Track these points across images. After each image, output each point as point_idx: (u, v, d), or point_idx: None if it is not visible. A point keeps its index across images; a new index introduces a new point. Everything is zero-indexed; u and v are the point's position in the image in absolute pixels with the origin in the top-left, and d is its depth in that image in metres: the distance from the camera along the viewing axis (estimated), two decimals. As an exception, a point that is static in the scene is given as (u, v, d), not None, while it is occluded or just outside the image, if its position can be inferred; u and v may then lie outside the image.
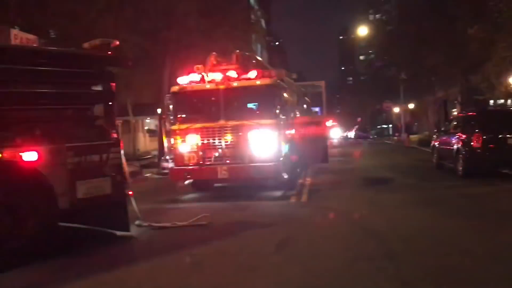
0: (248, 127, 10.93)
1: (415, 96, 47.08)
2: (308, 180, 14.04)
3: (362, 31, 36.14)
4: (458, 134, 13.82)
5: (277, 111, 11.07)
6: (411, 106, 49.12)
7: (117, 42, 7.56)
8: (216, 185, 12.82)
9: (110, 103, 7.56)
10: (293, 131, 12.92)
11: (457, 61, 21.93)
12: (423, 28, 23.36)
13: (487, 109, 15.22)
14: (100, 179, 7.19)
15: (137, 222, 7.98)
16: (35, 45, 13.00)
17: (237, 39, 25.17)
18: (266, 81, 11.15)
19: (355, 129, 70.16)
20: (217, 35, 23.41)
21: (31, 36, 14.17)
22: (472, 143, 12.74)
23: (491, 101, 25.93)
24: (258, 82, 11.16)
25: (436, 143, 16.23)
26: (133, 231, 7.65)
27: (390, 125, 59.26)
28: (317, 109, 38.03)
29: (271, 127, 10.95)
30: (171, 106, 11.54)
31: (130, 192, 7.96)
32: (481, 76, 21.12)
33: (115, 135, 7.50)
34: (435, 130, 18.64)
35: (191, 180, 11.62)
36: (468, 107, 28.37)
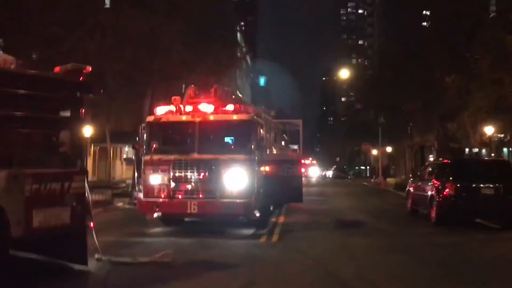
0: (222, 162, 10.72)
1: (392, 140, 47.78)
2: (281, 219, 13.79)
3: (343, 73, 36.82)
4: (432, 181, 13.83)
5: (252, 147, 10.92)
6: (389, 149, 49.83)
7: (89, 68, 7.36)
8: (186, 219, 12.45)
9: (78, 130, 7.31)
10: (267, 169, 12.74)
11: (434, 108, 22.36)
12: (401, 75, 23.88)
13: (461, 158, 15.38)
14: (59, 208, 6.83)
15: (97, 256, 7.57)
16: (12, 66, 12.83)
17: (220, 74, 25.31)
18: (243, 116, 11.05)
19: (333, 169, 70.52)
20: (200, 68, 23.49)
21: (8, 57, 13.93)
22: (445, 191, 12.73)
23: (467, 150, 26.35)
24: (234, 117, 11.05)
25: (411, 188, 16.21)
26: (92, 265, 7.25)
27: (367, 167, 59.70)
28: (295, 146, 38.27)
29: (245, 163, 10.76)
30: (145, 136, 11.31)
31: (91, 224, 7.61)
32: (457, 124, 21.51)
33: (80, 163, 7.21)
34: (410, 176, 18.71)
35: (159, 213, 11.24)
36: (444, 154, 28.84)
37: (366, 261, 8.10)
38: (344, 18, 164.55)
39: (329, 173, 68.93)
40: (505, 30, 12.69)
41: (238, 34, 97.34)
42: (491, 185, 12.45)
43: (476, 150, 30.97)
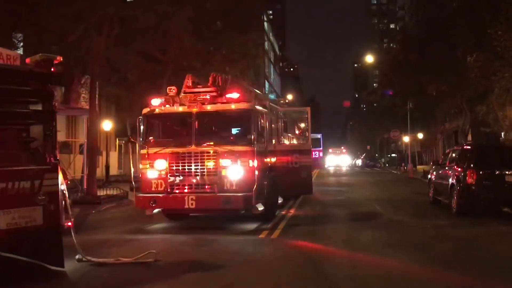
0: (221, 154, 10.19)
1: (423, 126, 46.09)
2: (292, 211, 13.18)
3: (369, 58, 35.53)
4: (453, 169, 12.91)
5: (253, 137, 10.32)
6: (420, 136, 48.11)
7: (60, 58, 6.92)
8: (191, 214, 12.01)
9: (50, 124, 6.90)
10: (273, 160, 12.14)
11: (460, 91, 21.07)
12: (424, 56, 22.61)
13: (483, 143, 14.29)
14: (30, 208, 6.45)
15: (77, 257, 7.20)
16: (16, 62, 12.63)
17: (241, 63, 24.66)
18: (242, 105, 10.46)
19: (362, 157, 69.02)
20: (216, 58, 22.97)
21: (12, 53, 13.80)
22: (466, 179, 11.81)
23: (503, 134, 24.68)
24: (233, 106, 10.47)
25: (432, 177, 15.28)
26: (71, 266, 6.87)
27: (394, 155, 58.04)
28: (318, 135, 37.32)
29: (245, 154, 10.19)
30: (141, 129, 10.89)
31: (70, 223, 7.24)
32: (486, 107, 20.21)
33: (52, 160, 6.80)
34: (431, 163, 17.68)
35: (158, 209, 10.81)
36: (477, 139, 27.35)
37: (366, 259, 7.41)
38: (375, 1, 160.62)
39: (359, 162, 67.47)
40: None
41: (266, 23, 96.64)
42: (517, 172, 11.43)
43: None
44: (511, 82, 14.38)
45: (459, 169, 12.35)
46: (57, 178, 6.80)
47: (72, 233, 7.16)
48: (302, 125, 16.42)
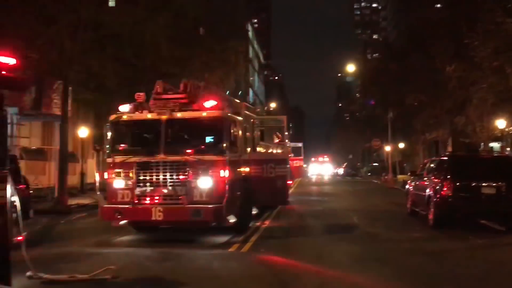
0: (191, 163, 9.80)
1: (404, 136, 46.25)
2: (267, 223, 12.83)
3: (350, 68, 35.54)
4: (430, 180, 12.72)
5: (225, 146, 9.96)
6: (401, 145, 48.24)
7: (16, 62, 6.48)
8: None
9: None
10: (247, 169, 11.78)
11: (439, 101, 21.05)
12: (404, 66, 22.59)
13: (460, 154, 14.17)
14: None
15: (28, 274, 6.72)
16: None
17: (221, 70, 24.36)
18: (214, 113, 10.10)
19: (344, 166, 69.11)
20: (195, 64, 22.62)
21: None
22: (443, 191, 11.61)
23: (483, 144, 24.69)
24: (204, 114, 10.11)
25: (410, 188, 15.09)
26: (20, 283, 6.40)
27: (376, 164, 58.17)
28: (299, 144, 37.08)
29: (216, 164, 9.82)
30: (108, 136, 10.45)
31: (21, 238, 6.76)
32: (465, 118, 20.20)
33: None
34: (409, 174, 17.53)
35: (125, 221, 10.34)
36: (458, 150, 27.37)
37: (335, 276, 7.08)
38: (358, 12, 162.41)
39: (341, 171, 67.49)
40: (505, 12, 11.45)
41: (250, 31, 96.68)
42: (493, 184, 11.28)
43: (494, 144, 29.40)
44: (489, 93, 14.31)
45: (436, 180, 12.17)
46: (5, 189, 6.32)
47: (23, 248, 6.68)
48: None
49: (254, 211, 12.75)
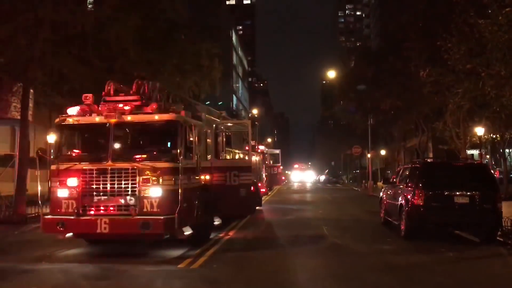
0: (141, 171, 9.00)
1: (386, 142, 45.98)
2: (230, 234, 12.05)
3: (331, 74, 35.08)
4: (402, 188, 12.11)
5: (179, 152, 9.20)
6: (383, 152, 47.95)
7: None
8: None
9: None
10: (208, 177, 11.03)
11: (415, 107, 20.56)
12: (380, 71, 22.11)
13: (431, 161, 13.63)
14: None
15: None
16: None
17: (190, 73, 23.57)
18: (167, 116, 9.32)
19: (325, 173, 68.69)
20: (165, 68, 21.80)
21: None
22: (414, 200, 10.99)
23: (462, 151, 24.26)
24: (156, 117, 9.33)
25: (384, 196, 14.47)
26: None
27: (358, 171, 57.88)
28: (277, 151, 36.36)
29: (169, 172, 9.04)
30: (53, 141, 9.63)
31: None
32: (442, 124, 19.73)
33: None
34: (381, 181, 16.93)
35: (70, 234, 9.48)
36: (439, 157, 26.92)
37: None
38: (342, 20, 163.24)
39: (322, 178, 67.01)
40: (477, 14, 10.97)
41: (234, 37, 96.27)
42: (466, 193, 10.69)
43: (474, 152, 29.05)
44: (464, 98, 13.81)
45: (408, 188, 11.56)
46: None
47: None
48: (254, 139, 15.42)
49: (217, 222, 12.00)
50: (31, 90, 17.27)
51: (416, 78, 16.00)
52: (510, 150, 26.39)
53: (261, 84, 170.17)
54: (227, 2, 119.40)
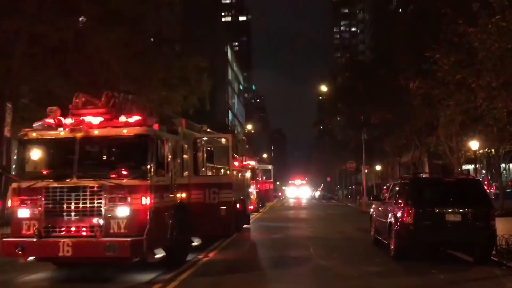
0: (107, 189, 8.38)
1: (381, 157, 45.35)
2: (210, 255, 11.34)
3: (323, 88, 34.68)
4: (391, 205, 11.49)
5: (149, 169, 8.58)
6: (378, 167, 47.27)
7: None
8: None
9: None
10: (184, 195, 10.39)
11: (407, 121, 20.03)
12: (370, 84, 21.65)
13: (421, 177, 13.06)
14: None
15: None
16: None
17: (177, 88, 23.07)
18: (137, 130, 8.71)
19: (320, 189, 67.96)
20: (151, 82, 21.32)
21: None
22: (403, 218, 10.36)
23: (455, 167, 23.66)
24: (125, 131, 8.73)
25: (374, 213, 13.82)
26: None
27: (353, 187, 57.24)
28: (269, 166, 35.66)
29: (137, 190, 8.41)
30: (15, 157, 9.01)
31: None
32: (436, 138, 19.19)
33: None
34: (371, 198, 16.32)
35: (32, 258, 8.79)
36: (436, 172, 26.26)
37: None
38: (338, 36, 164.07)
39: (317, 194, 66.23)
40: (467, 22, 10.50)
41: (229, 53, 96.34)
42: (458, 210, 10.08)
43: (470, 166, 28.44)
44: (456, 111, 13.29)
45: (397, 206, 10.94)
46: None
47: None
48: (236, 155, 14.83)
49: (197, 242, 11.31)
50: (9, 105, 16.71)
51: (406, 90, 15.55)
52: (506, 165, 25.88)
53: (258, 100, 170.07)
54: (223, 19, 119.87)
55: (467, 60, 11.32)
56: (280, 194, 67.80)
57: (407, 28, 17.41)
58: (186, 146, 10.82)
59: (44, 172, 8.87)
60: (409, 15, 17.04)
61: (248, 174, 18.90)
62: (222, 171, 13.61)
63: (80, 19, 18.25)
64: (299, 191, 64.83)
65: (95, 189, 8.40)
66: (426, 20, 15.50)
